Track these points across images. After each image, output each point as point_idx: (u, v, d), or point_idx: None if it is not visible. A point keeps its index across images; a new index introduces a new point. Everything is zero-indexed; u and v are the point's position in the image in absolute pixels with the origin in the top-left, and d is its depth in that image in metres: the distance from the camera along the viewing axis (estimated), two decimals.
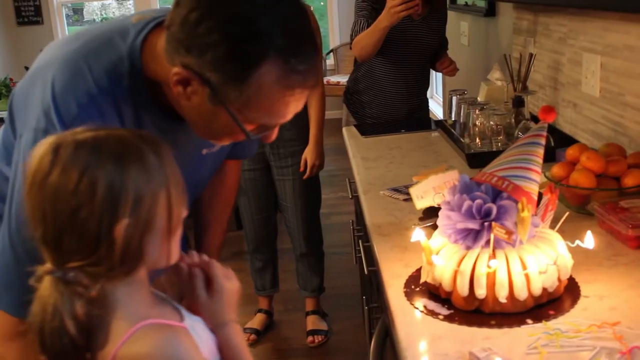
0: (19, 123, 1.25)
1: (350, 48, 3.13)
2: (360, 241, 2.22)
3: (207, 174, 1.60)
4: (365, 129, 2.96)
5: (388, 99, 3.21)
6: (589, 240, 1.36)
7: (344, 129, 3.01)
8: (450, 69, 3.20)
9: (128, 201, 0.98)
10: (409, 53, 3.09)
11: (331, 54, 7.83)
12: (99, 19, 10.44)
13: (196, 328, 1.12)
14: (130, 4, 8.50)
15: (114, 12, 9.12)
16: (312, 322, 3.41)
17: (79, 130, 1.03)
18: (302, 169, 3.12)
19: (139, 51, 1.23)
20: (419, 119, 3.18)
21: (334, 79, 7.33)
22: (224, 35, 1.09)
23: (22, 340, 1.18)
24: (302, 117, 3.13)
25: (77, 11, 10.71)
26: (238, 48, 1.09)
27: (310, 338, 3.35)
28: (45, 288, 0.99)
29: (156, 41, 1.22)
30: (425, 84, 3.38)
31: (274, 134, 1.26)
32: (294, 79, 1.13)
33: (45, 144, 1.01)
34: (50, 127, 1.18)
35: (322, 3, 7.94)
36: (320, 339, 3.34)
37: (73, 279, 0.99)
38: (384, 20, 2.80)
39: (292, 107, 1.19)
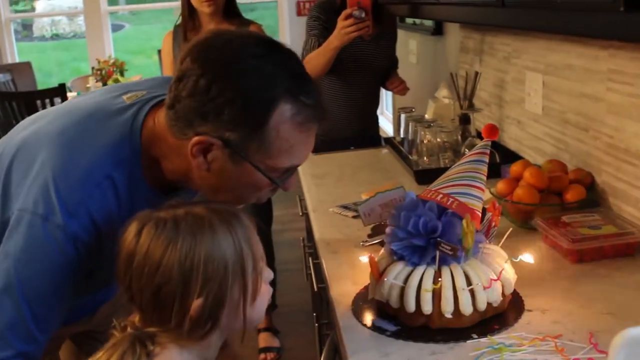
0: (6, 198, 1.23)
1: None
2: (310, 258, 2.23)
3: None
4: (316, 146, 2.96)
5: (339, 118, 3.23)
6: (532, 256, 1.40)
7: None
8: (400, 89, 3.23)
9: (199, 278, 1.06)
10: (360, 72, 3.11)
11: None
12: (49, 34, 10.28)
13: None
14: (80, 20, 8.41)
15: (64, 29, 9.01)
16: (264, 339, 3.40)
17: (162, 208, 1.13)
18: None
19: (139, 133, 1.25)
20: (369, 137, 3.20)
21: None
22: (236, 91, 1.14)
23: None
24: None
25: (27, 27, 10.56)
26: (251, 98, 1.15)
27: (262, 355, 3.33)
28: (124, 338, 1.08)
29: (154, 121, 1.26)
30: (376, 102, 3.41)
31: (293, 179, 1.31)
32: (306, 114, 1.19)
33: (134, 221, 1.11)
34: (51, 214, 1.17)
35: (272, 22, 7.98)
36: (272, 356, 3.33)
37: (148, 341, 1.08)
38: (334, 41, 2.81)
39: (308, 145, 1.26)
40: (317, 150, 2.85)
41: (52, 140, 1.24)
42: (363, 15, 2.67)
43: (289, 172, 1.27)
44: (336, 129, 3.21)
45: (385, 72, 3.25)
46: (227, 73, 1.15)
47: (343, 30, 2.74)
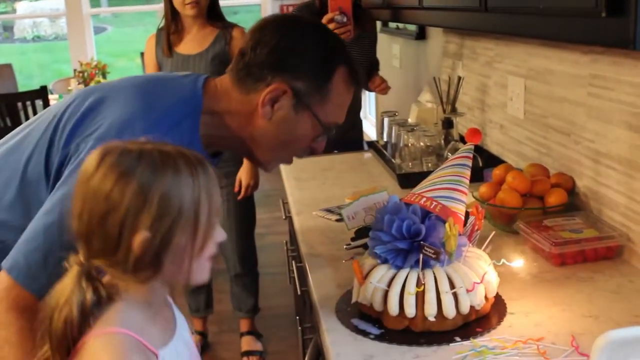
0: (79, 131, 1.34)
1: None
2: (293, 261, 2.23)
3: None
4: None
5: None
6: (515, 260, 1.41)
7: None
8: (381, 88, 3.26)
9: (151, 212, 1.02)
10: None
11: None
12: (30, 36, 10.22)
13: (181, 350, 1.13)
14: (62, 22, 8.37)
15: (45, 30, 8.97)
16: (247, 343, 3.39)
17: (133, 141, 1.10)
18: (236, 189, 3.12)
19: (201, 93, 1.42)
20: (352, 140, 3.22)
21: None
22: (311, 51, 1.42)
23: (27, 317, 1.22)
24: None
25: (7, 28, 10.48)
26: (322, 57, 1.42)
27: (245, 359, 3.33)
28: (70, 277, 1.04)
29: (217, 83, 1.46)
30: (358, 105, 3.43)
31: (324, 142, 1.52)
32: (353, 77, 1.47)
33: (98, 148, 1.08)
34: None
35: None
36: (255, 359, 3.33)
37: (95, 276, 1.04)
38: None
39: (347, 106, 1.51)
40: None
41: (128, 90, 1.40)
42: (345, 20, 2.71)
43: (332, 128, 1.48)
44: None
45: (367, 74, 3.28)
46: (301, 36, 1.43)
47: None
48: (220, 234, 1.13)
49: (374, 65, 3.35)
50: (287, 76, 1.39)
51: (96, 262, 1.04)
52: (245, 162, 3.13)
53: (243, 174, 3.12)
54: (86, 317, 1.03)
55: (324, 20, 2.75)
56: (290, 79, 1.39)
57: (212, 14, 3.08)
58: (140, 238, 1.02)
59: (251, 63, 1.41)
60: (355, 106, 3.35)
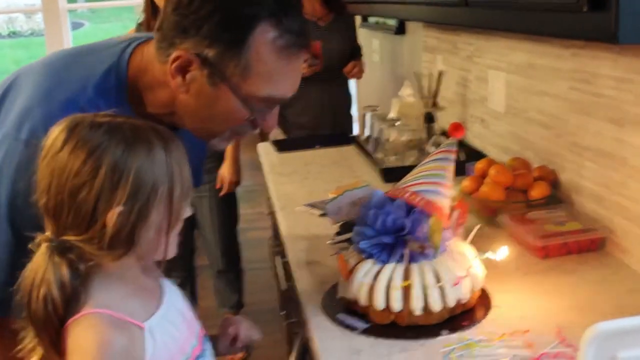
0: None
1: None
2: (277, 257, 2.22)
3: None
4: (281, 144, 2.99)
5: (313, 111, 3.31)
6: (499, 252, 1.41)
7: (258, 145, 3.03)
8: (355, 72, 3.32)
9: (126, 188, 1.00)
10: (326, 61, 3.16)
11: None
12: (6, 32, 10.08)
13: (174, 319, 1.12)
14: (39, 18, 8.29)
15: (21, 26, 8.86)
16: None
17: (100, 114, 1.05)
18: (218, 185, 3.11)
19: (126, 64, 1.23)
20: (339, 135, 3.23)
21: None
22: (217, 4, 1.13)
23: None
24: None
25: None
26: (232, 13, 1.13)
27: (230, 355, 3.32)
28: (40, 255, 1.01)
29: (142, 53, 1.24)
30: (348, 96, 3.49)
31: (274, 119, 1.26)
32: (288, 39, 1.15)
33: (64, 121, 1.03)
34: (32, 137, 1.12)
35: None
36: (240, 356, 3.32)
37: (67, 251, 1.01)
38: None
39: (290, 76, 1.22)
40: (282, 148, 2.86)
41: (39, 70, 1.25)
42: (317, 62, 3.08)
43: (268, 105, 1.22)
44: (313, 122, 3.31)
45: (348, 60, 3.33)
46: None
47: None
48: (188, 211, 1.11)
49: (355, 50, 3.40)
50: (194, 40, 1.14)
51: (67, 237, 1.01)
52: (227, 158, 3.13)
53: (225, 170, 3.11)
54: (67, 293, 1.00)
55: None
56: (194, 44, 1.14)
57: None
58: (115, 214, 1.00)
59: (163, 24, 1.18)
60: (344, 97, 3.42)
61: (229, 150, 3.13)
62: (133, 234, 1.02)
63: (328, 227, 1.77)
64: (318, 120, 3.35)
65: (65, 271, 1.00)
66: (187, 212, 1.11)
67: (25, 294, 1.02)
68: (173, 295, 1.16)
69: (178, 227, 1.10)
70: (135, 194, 1.01)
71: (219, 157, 3.13)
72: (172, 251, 1.10)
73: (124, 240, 1.02)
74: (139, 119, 1.09)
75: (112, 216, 1.00)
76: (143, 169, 1.01)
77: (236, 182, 3.16)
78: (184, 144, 1.13)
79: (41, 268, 1.01)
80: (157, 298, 1.12)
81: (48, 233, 1.03)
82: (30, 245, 1.03)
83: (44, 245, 1.02)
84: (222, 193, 3.12)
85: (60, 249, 1.01)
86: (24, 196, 1.09)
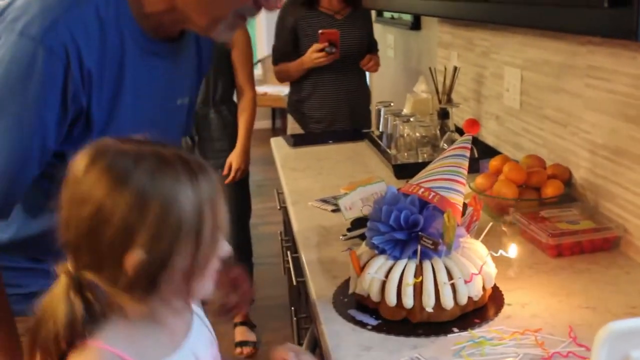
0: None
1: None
2: (288, 252, 2.22)
3: (178, 131, 1.50)
4: (296, 139, 2.99)
5: (330, 105, 3.32)
6: (512, 250, 1.40)
7: (272, 140, 3.03)
8: (370, 65, 3.33)
9: (148, 229, 0.90)
10: (342, 54, 3.17)
11: (259, 64, 7.82)
12: None
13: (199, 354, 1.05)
14: None
15: None
16: (240, 333, 3.39)
17: (127, 140, 0.97)
18: (225, 172, 3.10)
19: None
20: (353, 130, 3.23)
21: (261, 89, 7.30)
22: None
23: None
24: (232, 129, 3.16)
25: None
26: None
27: (238, 349, 3.33)
28: (59, 286, 0.95)
29: None
30: (365, 90, 3.50)
31: None
32: None
33: (90, 147, 0.95)
34: (27, 28, 1.11)
35: None
36: (249, 351, 3.33)
37: (84, 288, 0.93)
38: (306, 63, 3.22)
39: None
40: (296, 143, 2.86)
41: None
42: (334, 50, 3.12)
43: None
44: (330, 117, 3.33)
45: (364, 54, 3.35)
46: None
47: (315, 61, 3.17)
48: (224, 249, 1.02)
49: (372, 44, 3.41)
50: None
51: (86, 275, 0.93)
52: (238, 146, 3.13)
53: (234, 158, 3.12)
54: (76, 332, 0.93)
55: (315, 49, 3.14)
56: None
57: None
58: (134, 259, 0.91)
59: None
60: (362, 90, 3.44)
61: (241, 139, 3.13)
62: (154, 280, 0.93)
63: (340, 223, 1.77)
64: (335, 114, 3.35)
65: (78, 309, 0.92)
66: (224, 251, 1.02)
67: (35, 323, 0.96)
68: (198, 339, 1.07)
69: (212, 267, 1.00)
70: (158, 236, 0.91)
71: (230, 147, 3.14)
72: (205, 292, 1.01)
73: (145, 285, 0.93)
74: (168, 146, 0.98)
75: (132, 260, 0.91)
76: (167, 206, 0.91)
77: (244, 170, 3.16)
78: (187, 58, 1.15)
79: (56, 301, 0.94)
80: (177, 341, 1.03)
81: (69, 265, 0.95)
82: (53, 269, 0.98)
83: (63, 277, 0.95)
84: (227, 181, 3.10)
85: (78, 285, 0.93)
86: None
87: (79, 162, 0.94)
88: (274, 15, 4.85)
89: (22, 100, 1.13)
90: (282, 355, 1.16)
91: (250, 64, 3.19)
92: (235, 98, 3.27)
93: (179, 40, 1.34)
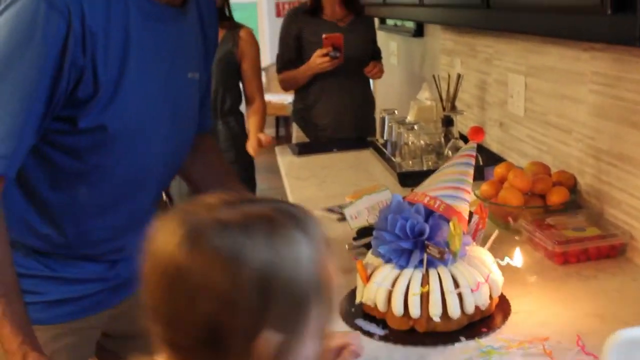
0: None
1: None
2: None
3: (191, 107, 1.49)
4: (300, 148, 2.99)
5: (334, 113, 3.32)
6: (518, 258, 1.40)
7: (276, 148, 3.03)
8: (374, 72, 3.34)
9: (277, 309, 0.76)
10: (346, 61, 3.17)
11: (262, 72, 7.80)
12: None
13: None
14: None
15: None
16: None
17: (213, 203, 0.81)
18: (257, 149, 3.05)
19: None
20: (357, 138, 3.22)
21: (264, 97, 7.27)
22: None
23: None
24: (239, 140, 3.17)
25: None
26: None
27: None
28: None
29: None
30: (369, 98, 3.50)
31: None
32: None
33: (174, 224, 0.78)
34: None
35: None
36: None
37: None
38: (310, 69, 3.22)
39: None
40: (301, 152, 2.86)
41: None
42: (337, 54, 3.12)
43: None
44: (335, 124, 3.33)
45: (366, 61, 3.35)
46: None
47: (320, 65, 3.16)
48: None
49: (375, 52, 3.42)
50: None
51: None
52: (251, 136, 3.09)
53: (257, 135, 3.06)
54: None
55: (319, 54, 3.13)
56: None
57: (221, 14, 3.07)
58: (267, 343, 0.76)
59: None
60: (367, 97, 3.45)
61: (252, 134, 3.10)
62: (289, 354, 0.78)
63: (346, 232, 1.76)
64: (339, 122, 3.35)
65: None
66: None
67: None
68: None
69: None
70: (289, 309, 0.77)
71: (242, 165, 3.15)
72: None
73: None
74: (255, 199, 0.85)
75: (264, 345, 0.75)
76: (292, 274, 0.77)
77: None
78: (191, 29, 1.19)
79: None
80: None
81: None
82: None
83: None
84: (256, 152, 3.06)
85: None
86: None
87: (169, 244, 0.77)
88: (277, 24, 4.87)
89: (27, 54, 1.15)
90: (344, 342, 1.09)
91: (260, 75, 3.20)
92: (241, 108, 3.27)
93: (181, 7, 1.36)
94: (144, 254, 0.80)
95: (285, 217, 0.80)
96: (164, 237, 0.78)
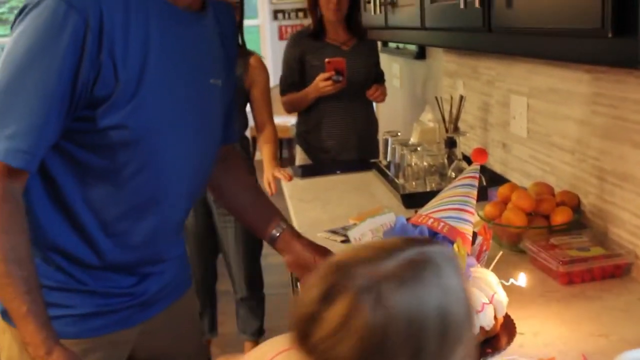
0: None
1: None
2: (298, 283, 2.21)
3: (215, 114, 1.49)
4: (303, 170, 3.00)
5: (337, 136, 3.33)
6: (522, 279, 1.40)
7: (279, 171, 3.03)
8: (377, 95, 3.34)
9: (449, 345, 0.79)
10: (349, 84, 3.19)
11: None
12: None
13: None
14: None
15: None
16: None
17: (371, 256, 0.81)
18: (273, 187, 3.06)
19: None
20: (360, 160, 3.23)
21: None
22: None
23: (14, 201, 1.20)
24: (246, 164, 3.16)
25: None
26: None
27: None
28: None
29: None
30: (372, 120, 3.51)
31: None
32: None
33: (348, 293, 0.77)
34: None
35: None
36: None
37: None
38: (312, 93, 3.24)
39: None
40: (304, 174, 2.87)
41: None
42: (340, 79, 3.13)
43: None
44: (339, 147, 3.34)
45: (369, 84, 3.36)
46: None
47: (323, 89, 3.17)
48: None
49: (378, 75, 3.43)
50: None
51: None
52: (266, 170, 3.08)
53: (269, 176, 3.07)
54: None
55: (322, 78, 3.15)
56: None
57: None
58: None
59: None
60: (370, 120, 3.46)
61: (266, 163, 3.10)
62: None
63: None
64: (343, 145, 3.36)
65: None
66: None
67: None
68: None
69: None
70: (454, 345, 0.80)
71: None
72: None
73: None
74: (398, 240, 0.87)
75: None
76: (457, 312, 0.80)
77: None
78: (210, 35, 1.21)
79: None
80: None
81: None
82: None
83: None
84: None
85: None
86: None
87: (350, 304, 0.76)
88: (280, 46, 4.90)
89: (47, 53, 1.19)
90: None
91: (270, 102, 3.20)
92: (247, 134, 3.28)
93: (200, 12, 1.38)
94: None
95: (439, 257, 0.82)
96: (335, 303, 0.77)
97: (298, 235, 1.62)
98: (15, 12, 1.24)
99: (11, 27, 1.25)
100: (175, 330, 1.53)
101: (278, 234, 1.61)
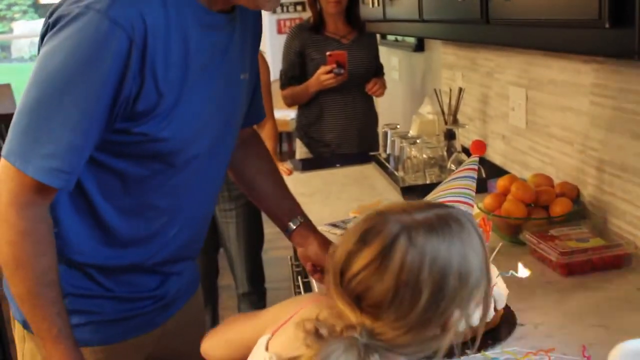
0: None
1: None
2: (299, 277, 2.22)
3: (240, 107, 1.48)
4: (303, 164, 3.00)
5: (338, 129, 3.33)
6: (522, 270, 1.40)
7: (279, 164, 3.03)
8: (376, 88, 3.34)
9: (464, 293, 0.90)
10: (350, 77, 3.19)
11: None
12: (28, 56, 10.22)
13: None
14: None
15: None
16: None
17: (407, 207, 0.94)
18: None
19: None
20: (360, 153, 3.24)
21: None
22: None
23: (35, 208, 1.18)
24: None
25: (5, 48, 10.51)
26: None
27: None
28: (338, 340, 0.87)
29: None
30: (372, 114, 3.51)
31: None
32: None
33: (386, 232, 0.89)
34: (93, 4, 1.13)
35: None
36: None
37: (373, 350, 0.87)
38: (313, 86, 3.22)
39: None
40: (304, 167, 2.87)
41: None
42: (342, 71, 3.12)
43: None
44: (339, 140, 3.33)
45: (369, 77, 3.36)
46: None
47: (324, 82, 3.17)
48: None
49: (378, 68, 3.43)
50: None
51: (384, 337, 0.87)
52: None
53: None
54: None
55: (323, 71, 3.14)
56: None
57: None
58: (454, 320, 0.91)
59: None
60: (370, 114, 3.45)
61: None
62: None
63: None
64: (343, 138, 3.37)
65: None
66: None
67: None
68: None
69: None
70: (469, 296, 0.91)
71: None
72: None
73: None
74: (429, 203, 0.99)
75: (453, 322, 0.91)
76: (475, 263, 0.91)
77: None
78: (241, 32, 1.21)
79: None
80: None
81: (357, 326, 0.88)
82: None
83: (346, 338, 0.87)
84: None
85: (367, 348, 0.87)
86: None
87: (397, 247, 0.88)
88: (279, 40, 4.89)
89: (90, 71, 1.14)
90: None
91: (271, 98, 3.20)
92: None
93: (232, 13, 1.35)
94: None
95: (462, 216, 0.94)
96: (377, 242, 0.89)
97: (314, 230, 1.60)
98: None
99: (41, 38, 1.20)
100: (187, 328, 1.53)
101: (295, 227, 1.60)
